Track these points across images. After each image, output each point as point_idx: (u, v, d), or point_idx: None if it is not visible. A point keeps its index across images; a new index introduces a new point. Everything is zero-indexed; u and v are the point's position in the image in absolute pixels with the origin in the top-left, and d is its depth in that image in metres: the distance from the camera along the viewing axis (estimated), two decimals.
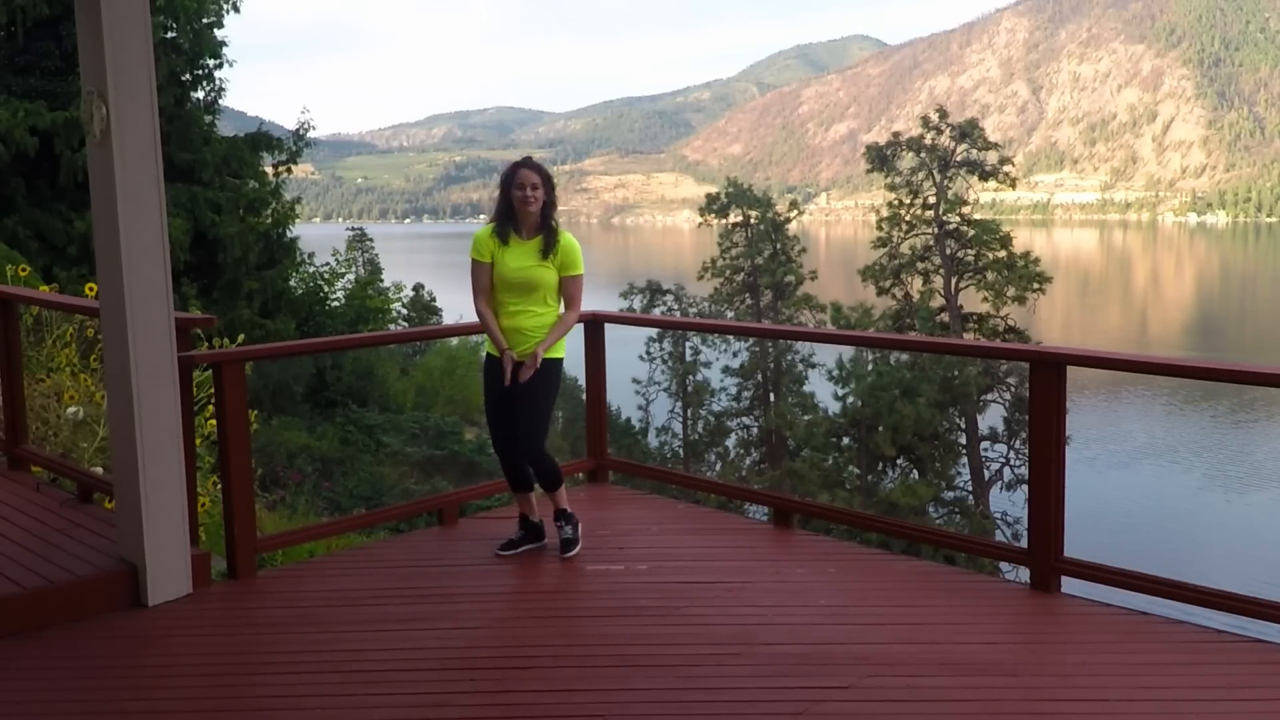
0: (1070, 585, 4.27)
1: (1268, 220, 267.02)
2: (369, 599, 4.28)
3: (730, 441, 32.16)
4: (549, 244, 4.55)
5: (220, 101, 21.59)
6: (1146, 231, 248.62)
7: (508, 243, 4.55)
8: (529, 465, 4.70)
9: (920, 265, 33.11)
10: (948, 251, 32.94)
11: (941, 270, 32.90)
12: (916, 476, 27.24)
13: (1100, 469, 33.59)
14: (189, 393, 4.48)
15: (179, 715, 3.36)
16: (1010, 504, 27.42)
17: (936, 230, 33.14)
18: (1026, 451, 17.50)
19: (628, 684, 3.54)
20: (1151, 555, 20.39)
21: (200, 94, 21.08)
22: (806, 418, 28.68)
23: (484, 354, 4.73)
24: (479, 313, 4.64)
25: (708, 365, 32.99)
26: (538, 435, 4.63)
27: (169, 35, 19.75)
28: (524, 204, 4.52)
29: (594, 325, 5.73)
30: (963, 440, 28.97)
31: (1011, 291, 31.39)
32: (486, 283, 4.60)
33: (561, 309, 4.66)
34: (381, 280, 29.58)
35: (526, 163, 4.67)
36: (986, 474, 28.77)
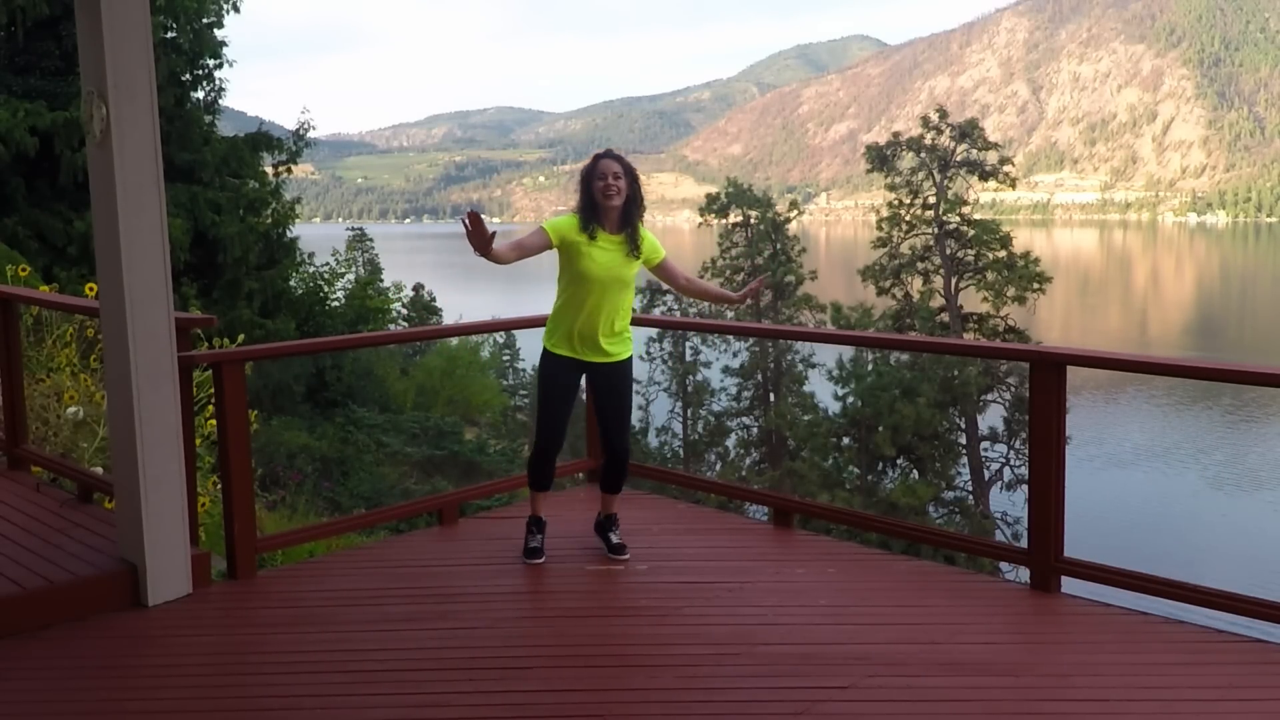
0: (1070, 585, 4.27)
1: (1268, 220, 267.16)
2: (369, 599, 4.28)
3: (730, 441, 32.16)
4: (634, 240, 4.38)
5: (220, 101, 21.62)
6: (1146, 231, 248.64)
7: (595, 238, 4.33)
8: (622, 461, 4.63)
9: (920, 265, 33.11)
10: (948, 251, 32.94)
11: (941, 270, 32.90)
12: (916, 476, 27.25)
13: (1100, 469, 33.60)
14: (189, 393, 4.48)
15: (179, 715, 3.36)
16: (1010, 504, 27.42)
17: (936, 230, 33.14)
18: (1026, 451, 17.50)
19: (627, 684, 3.54)
20: (1151, 555, 20.39)
21: (200, 94, 21.10)
22: (806, 418, 28.68)
23: (553, 350, 4.50)
24: (506, 242, 4.36)
25: (708, 365, 33.00)
26: (630, 430, 4.70)
27: (169, 35, 19.75)
28: (606, 195, 4.29)
29: None
30: (963, 440, 28.97)
31: (1011, 291, 31.38)
32: (530, 245, 4.34)
33: (683, 280, 4.72)
34: (381, 280, 29.60)
35: (608, 153, 4.46)
36: (986, 474, 28.77)
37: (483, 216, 4.01)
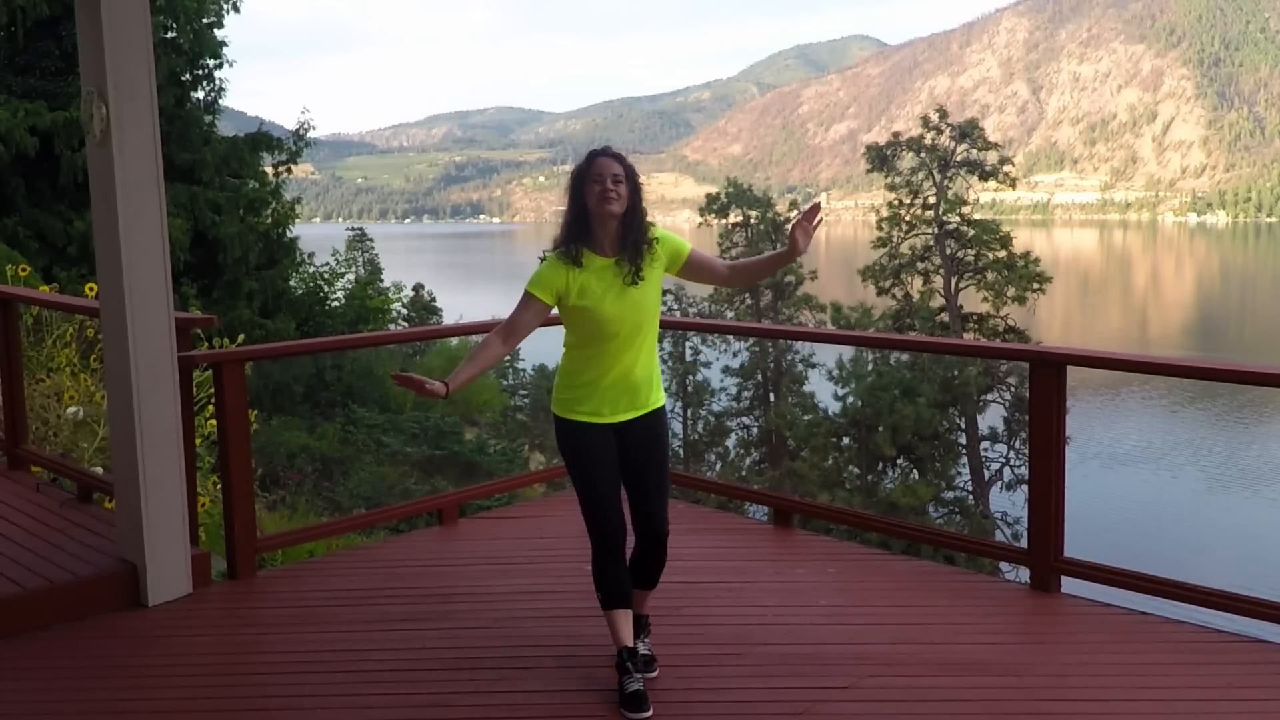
0: (1070, 585, 4.27)
1: (1268, 220, 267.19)
2: (369, 599, 4.28)
3: (730, 441, 32.15)
4: (635, 265, 3.36)
5: (220, 101, 21.65)
6: (1146, 232, 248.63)
7: (582, 264, 3.34)
8: (660, 549, 3.59)
9: (920, 265, 33.08)
10: (948, 251, 32.92)
11: (941, 270, 32.88)
12: (916, 476, 27.22)
13: (1100, 469, 33.58)
14: (189, 393, 4.48)
15: (179, 715, 3.36)
16: (1010, 504, 27.39)
17: (936, 230, 33.12)
18: (1026, 451, 17.48)
19: None
20: (1151, 555, 20.37)
21: (200, 94, 21.13)
22: (806, 418, 28.67)
23: (568, 418, 3.49)
24: (487, 340, 3.45)
25: (708, 365, 32.99)
26: (668, 506, 3.65)
27: (169, 35, 19.77)
28: (604, 200, 3.29)
29: None
30: (963, 440, 28.95)
31: (1011, 291, 31.37)
32: (526, 321, 3.43)
33: (725, 269, 3.66)
34: (381, 280, 29.62)
35: (605, 151, 3.43)
36: (986, 474, 28.75)
37: (415, 380, 3.24)
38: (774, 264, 3.63)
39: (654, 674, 3.53)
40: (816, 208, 3.46)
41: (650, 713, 3.30)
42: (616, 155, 3.41)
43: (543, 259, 3.44)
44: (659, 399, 3.57)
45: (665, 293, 3.72)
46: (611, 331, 3.37)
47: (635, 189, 3.38)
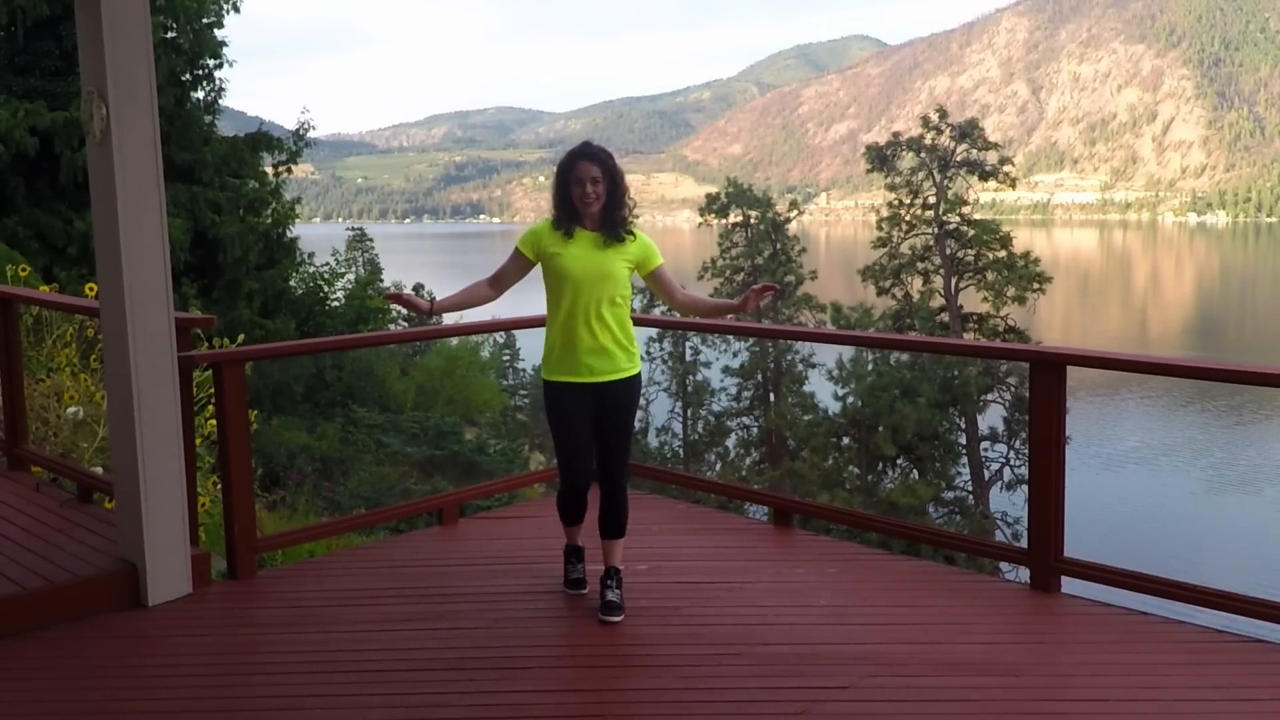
0: (1070, 585, 4.27)
1: (1268, 220, 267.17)
2: (369, 599, 4.28)
3: (730, 441, 32.17)
4: (617, 233, 3.93)
5: (220, 101, 21.61)
6: (1146, 231, 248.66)
7: (573, 236, 3.92)
8: (619, 499, 4.08)
9: (920, 265, 33.10)
10: (948, 251, 32.93)
11: (941, 270, 32.88)
12: (916, 476, 27.23)
13: (1100, 469, 33.59)
14: (189, 393, 4.48)
15: (179, 715, 3.36)
16: (1010, 504, 27.41)
17: (936, 230, 33.13)
18: (1026, 451, 17.50)
19: (627, 684, 3.54)
20: (1151, 555, 20.38)
21: (200, 94, 21.09)
22: (806, 418, 28.67)
23: (550, 379, 4.04)
24: (477, 281, 4.07)
25: (708, 365, 33.02)
26: (628, 462, 4.13)
27: (169, 35, 19.75)
28: (584, 202, 3.87)
29: None
30: (963, 440, 28.96)
31: (1011, 291, 31.38)
32: (510, 272, 4.02)
33: (681, 295, 4.17)
34: (381, 280, 29.59)
35: (586, 151, 3.93)
36: (986, 474, 28.76)
37: (410, 294, 3.94)
38: (722, 309, 4.38)
39: (618, 619, 3.97)
40: (775, 289, 4.14)
41: (586, 590, 4.18)
42: (595, 154, 3.92)
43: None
44: (631, 368, 4.05)
45: None
46: (576, 285, 3.88)
47: (613, 180, 3.90)
